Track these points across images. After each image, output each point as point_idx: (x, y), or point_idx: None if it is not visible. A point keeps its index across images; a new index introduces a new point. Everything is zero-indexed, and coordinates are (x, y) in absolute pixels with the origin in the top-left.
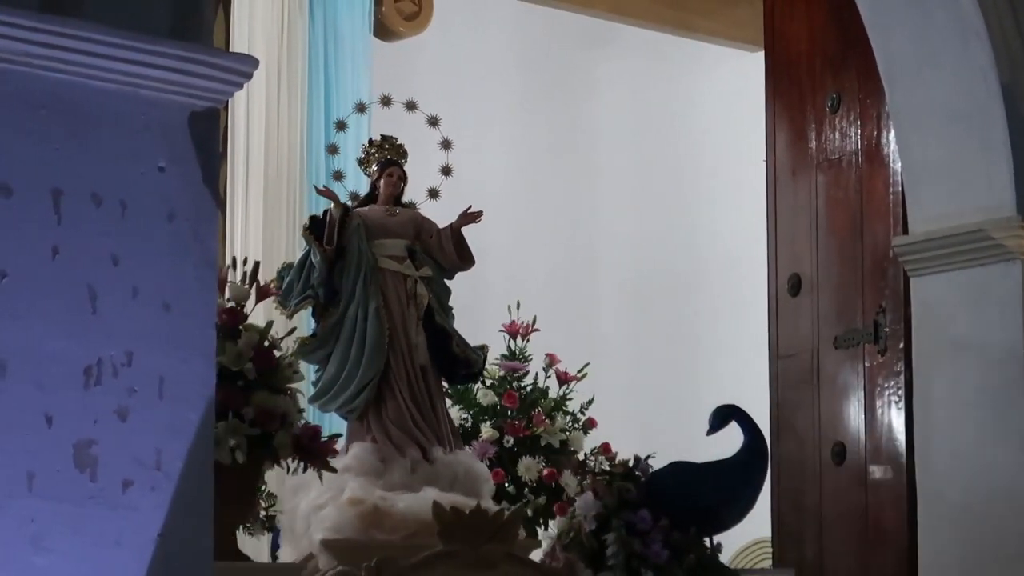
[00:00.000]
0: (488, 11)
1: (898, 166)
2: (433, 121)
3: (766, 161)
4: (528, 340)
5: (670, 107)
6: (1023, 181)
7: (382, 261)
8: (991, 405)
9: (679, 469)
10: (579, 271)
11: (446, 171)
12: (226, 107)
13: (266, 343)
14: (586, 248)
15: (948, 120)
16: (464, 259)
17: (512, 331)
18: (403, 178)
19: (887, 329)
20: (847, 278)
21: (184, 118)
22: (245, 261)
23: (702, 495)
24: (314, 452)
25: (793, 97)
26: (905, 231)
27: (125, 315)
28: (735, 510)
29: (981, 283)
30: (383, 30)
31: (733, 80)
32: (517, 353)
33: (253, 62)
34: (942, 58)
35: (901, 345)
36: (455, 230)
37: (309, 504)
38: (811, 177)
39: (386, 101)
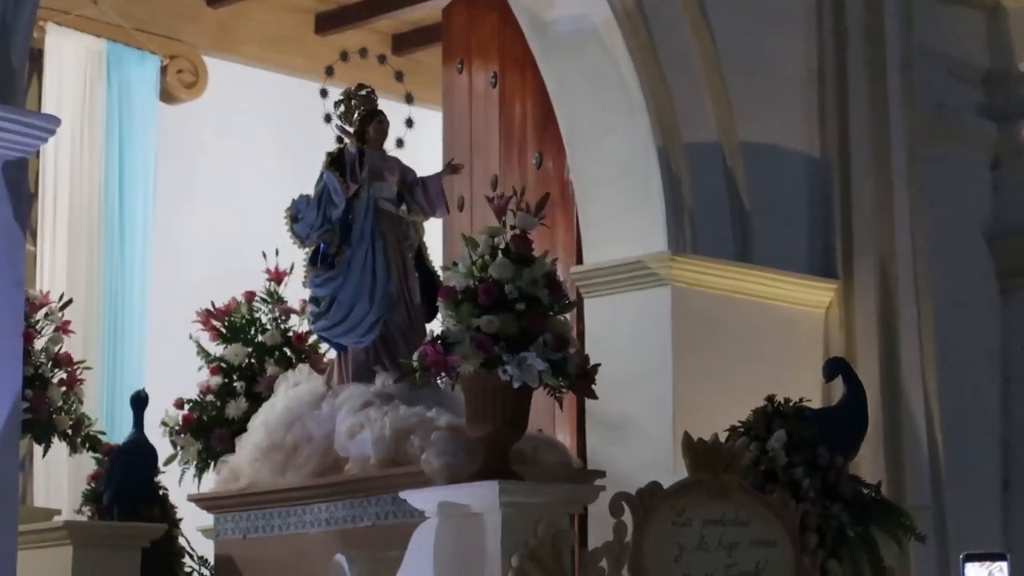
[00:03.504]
0: (252, 81)
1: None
2: (399, 76)
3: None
4: (285, 285)
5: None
6: (673, 223)
7: (380, 203)
8: (646, 411)
9: (817, 414)
10: None
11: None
12: (37, 155)
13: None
14: None
15: (617, 175)
16: (444, 207)
17: (276, 277)
18: (389, 124)
19: None
20: None
21: None
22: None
23: (845, 436)
24: (585, 377)
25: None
26: (580, 262)
27: None
28: (855, 451)
29: (639, 305)
30: (167, 95)
31: None
32: (275, 296)
33: (56, 121)
34: (613, 125)
35: None
36: (440, 180)
37: (357, 421)
38: None
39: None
